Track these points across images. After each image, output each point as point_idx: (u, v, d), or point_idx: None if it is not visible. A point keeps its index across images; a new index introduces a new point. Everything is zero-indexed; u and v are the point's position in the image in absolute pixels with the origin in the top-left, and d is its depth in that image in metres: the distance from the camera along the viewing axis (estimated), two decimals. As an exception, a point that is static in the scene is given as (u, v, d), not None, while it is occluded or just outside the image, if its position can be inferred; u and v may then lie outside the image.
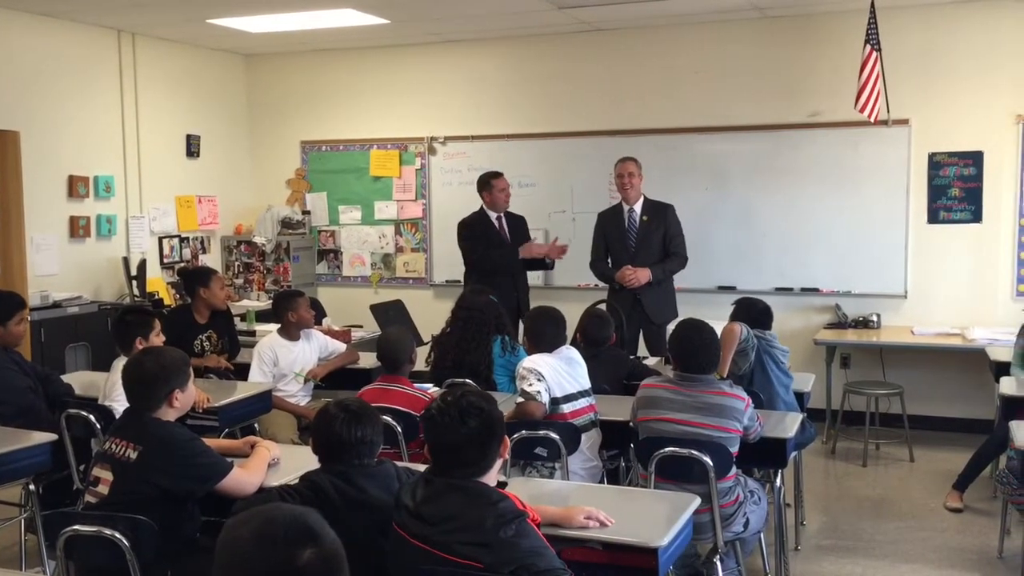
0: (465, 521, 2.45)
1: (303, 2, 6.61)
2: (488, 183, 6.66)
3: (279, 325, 5.49)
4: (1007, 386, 5.00)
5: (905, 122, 6.92)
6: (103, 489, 3.09)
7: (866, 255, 7.11)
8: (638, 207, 6.43)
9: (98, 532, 2.88)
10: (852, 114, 6.47)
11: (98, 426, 4.15)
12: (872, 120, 6.38)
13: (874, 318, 6.98)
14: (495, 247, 6.56)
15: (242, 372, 5.45)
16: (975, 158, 6.86)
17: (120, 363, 4.06)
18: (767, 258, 7.37)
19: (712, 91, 7.44)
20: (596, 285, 7.07)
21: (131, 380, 3.25)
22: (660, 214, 6.41)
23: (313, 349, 5.50)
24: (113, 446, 3.13)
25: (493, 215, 6.64)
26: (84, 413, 4.24)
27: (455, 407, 2.54)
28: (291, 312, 5.38)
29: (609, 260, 6.49)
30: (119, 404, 3.93)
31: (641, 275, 6.22)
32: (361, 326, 7.10)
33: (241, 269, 8.59)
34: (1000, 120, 6.78)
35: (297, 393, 5.40)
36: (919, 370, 6.96)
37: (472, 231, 6.64)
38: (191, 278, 5.89)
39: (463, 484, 2.52)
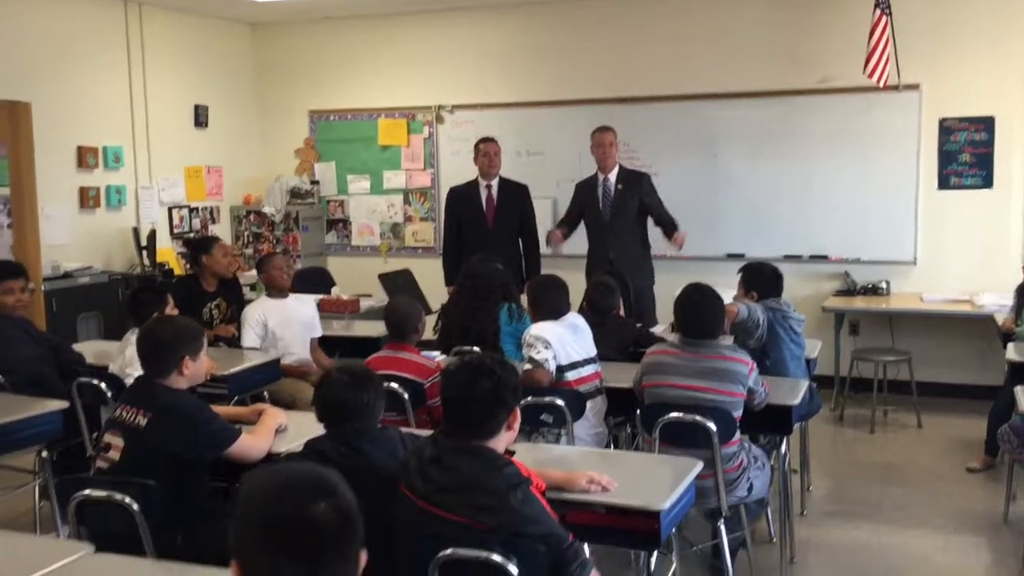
0: (470, 483, 2.48)
1: (309, -30, 6.59)
2: (476, 147, 6.65)
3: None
4: (1015, 352, 4.99)
5: (915, 87, 6.86)
6: (114, 455, 3.13)
7: (876, 222, 7.08)
8: (613, 176, 6.42)
9: (109, 497, 2.92)
10: (862, 79, 6.43)
11: (108, 394, 4.20)
12: (882, 85, 6.34)
13: (883, 285, 6.97)
14: (471, 219, 6.54)
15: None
16: (986, 123, 6.80)
17: (134, 335, 4.09)
18: (776, 225, 7.34)
19: (721, 57, 7.38)
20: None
21: (145, 347, 3.31)
22: (635, 182, 6.41)
23: (308, 308, 5.58)
24: (124, 413, 3.18)
25: (483, 183, 6.61)
26: (95, 382, 4.28)
27: (470, 366, 2.63)
28: (263, 274, 5.55)
29: (585, 229, 6.49)
30: (136, 372, 3.96)
31: (683, 236, 6.23)
32: (370, 295, 7.14)
33: (251, 239, 8.61)
34: (1012, 85, 6.72)
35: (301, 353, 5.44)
36: (928, 337, 6.95)
37: (448, 202, 6.74)
38: (195, 247, 5.94)
39: (469, 446, 2.56)
